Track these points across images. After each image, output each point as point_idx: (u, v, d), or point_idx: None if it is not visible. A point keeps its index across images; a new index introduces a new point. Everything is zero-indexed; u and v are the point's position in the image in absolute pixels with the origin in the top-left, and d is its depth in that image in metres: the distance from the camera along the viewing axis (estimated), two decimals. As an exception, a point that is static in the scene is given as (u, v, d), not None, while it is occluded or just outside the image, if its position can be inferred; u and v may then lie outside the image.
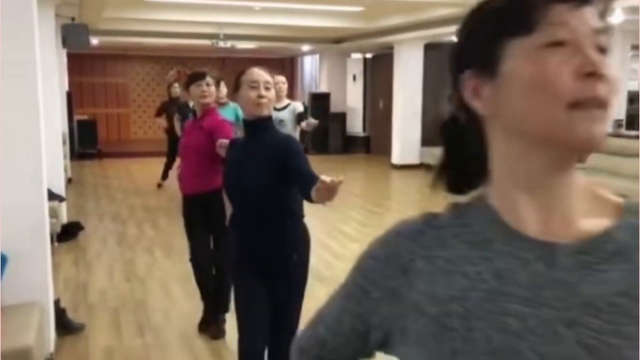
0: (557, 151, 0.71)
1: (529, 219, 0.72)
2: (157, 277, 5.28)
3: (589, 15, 0.69)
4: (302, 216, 2.77)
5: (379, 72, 14.38)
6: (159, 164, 12.84)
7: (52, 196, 6.01)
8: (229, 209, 2.79)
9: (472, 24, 0.78)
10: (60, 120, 7.44)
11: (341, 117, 15.20)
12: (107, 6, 8.70)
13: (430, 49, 11.87)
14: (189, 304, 4.62)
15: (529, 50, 0.68)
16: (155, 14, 9.96)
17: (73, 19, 8.23)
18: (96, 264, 5.64)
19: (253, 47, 14.34)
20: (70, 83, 13.37)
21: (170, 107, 8.77)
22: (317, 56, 16.45)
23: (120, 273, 5.38)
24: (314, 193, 2.30)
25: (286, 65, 18.43)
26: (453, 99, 0.77)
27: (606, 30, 0.70)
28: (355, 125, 15.11)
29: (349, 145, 14.88)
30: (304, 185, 2.39)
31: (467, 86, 0.74)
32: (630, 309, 0.66)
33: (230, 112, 6.05)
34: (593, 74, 0.67)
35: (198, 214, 3.97)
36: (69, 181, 9.35)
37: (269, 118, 2.72)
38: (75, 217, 7.12)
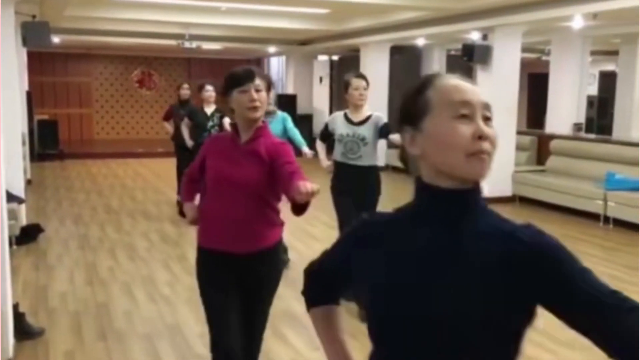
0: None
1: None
2: (120, 280, 5.20)
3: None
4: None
5: (345, 74, 14.42)
6: (122, 165, 12.72)
7: (10, 198, 5.87)
8: None
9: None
10: (19, 120, 7.26)
11: (308, 119, 15.21)
12: (69, 4, 8.54)
13: (396, 51, 11.98)
14: (152, 307, 4.56)
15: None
16: (120, 13, 9.81)
17: (34, 16, 8.03)
18: (57, 267, 5.52)
19: (219, 47, 14.25)
20: (31, 82, 13.07)
21: (178, 111, 7.90)
22: (283, 58, 16.43)
23: (81, 276, 5.27)
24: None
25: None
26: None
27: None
28: (322, 127, 15.16)
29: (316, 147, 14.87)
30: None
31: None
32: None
33: (278, 124, 5.49)
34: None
35: (237, 280, 2.62)
36: (28, 182, 9.14)
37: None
38: (35, 220, 6.96)
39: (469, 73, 13.30)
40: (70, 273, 5.35)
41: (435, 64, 12.56)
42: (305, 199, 2.19)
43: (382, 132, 4.35)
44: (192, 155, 7.59)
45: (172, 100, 17.67)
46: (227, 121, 6.54)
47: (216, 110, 6.89)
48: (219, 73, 17.84)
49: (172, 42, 12.32)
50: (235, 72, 2.56)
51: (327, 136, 4.68)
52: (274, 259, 2.69)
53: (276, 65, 17.34)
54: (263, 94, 2.52)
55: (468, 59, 8.89)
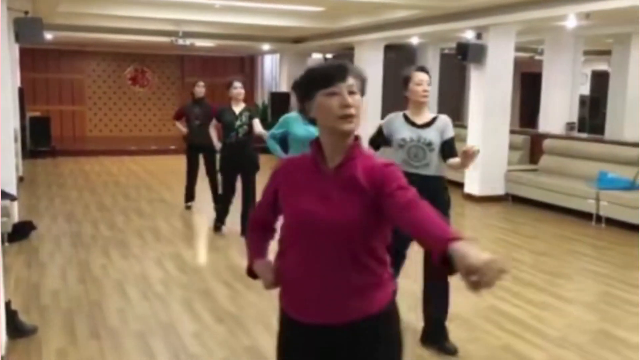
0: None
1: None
2: (113, 278, 5.18)
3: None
4: None
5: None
6: (116, 162, 12.66)
7: (3, 195, 5.85)
8: None
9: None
10: (11, 116, 7.21)
11: (301, 117, 15.19)
12: (62, 0, 8.49)
13: (390, 50, 11.99)
14: (146, 305, 4.55)
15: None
16: (113, 10, 9.77)
17: (26, 12, 8.00)
18: (49, 265, 5.49)
19: (212, 45, 14.22)
20: (23, 79, 12.99)
21: (192, 110, 7.71)
22: (277, 55, 16.41)
23: (74, 274, 5.25)
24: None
25: (246, 64, 18.34)
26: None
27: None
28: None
29: (309, 145, 14.86)
30: None
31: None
32: None
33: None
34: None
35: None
36: (20, 179, 9.09)
37: None
38: (27, 217, 6.93)
39: (462, 72, 13.37)
40: (62, 271, 5.33)
41: (430, 62, 12.58)
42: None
43: (445, 150, 3.65)
44: (210, 157, 7.40)
45: (165, 98, 17.87)
46: (257, 122, 6.31)
47: (245, 109, 6.45)
48: (212, 70, 17.87)
49: (165, 40, 12.28)
50: (321, 67, 1.87)
51: (382, 142, 3.84)
52: (386, 330, 1.88)
53: (270, 63, 17.31)
54: (358, 97, 1.80)
55: (462, 58, 8.91)
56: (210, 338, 3.97)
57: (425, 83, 3.63)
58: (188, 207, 8.00)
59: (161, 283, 5.06)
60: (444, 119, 3.71)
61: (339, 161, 1.82)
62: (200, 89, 7.73)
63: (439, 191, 3.64)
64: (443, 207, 3.57)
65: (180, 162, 8.78)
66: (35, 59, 15.41)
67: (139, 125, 17.57)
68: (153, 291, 4.86)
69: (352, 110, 1.78)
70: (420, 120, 3.69)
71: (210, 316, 4.35)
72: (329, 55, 15.06)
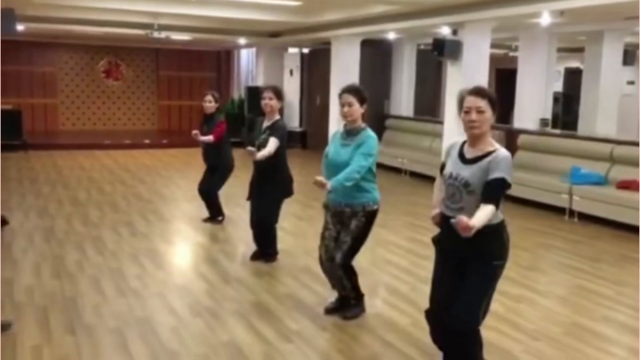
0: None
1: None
2: (88, 273, 5.12)
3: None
4: None
5: (316, 67, 14.42)
6: (89, 156, 12.48)
7: (-26, 189, 5.72)
8: None
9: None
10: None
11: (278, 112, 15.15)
12: (34, -9, 8.33)
13: (367, 45, 12.00)
14: (122, 301, 4.50)
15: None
16: (87, 1, 9.60)
17: (-3, 3, 7.83)
18: (22, 261, 5.40)
19: (188, 38, 14.08)
20: (-7, 71, 12.73)
21: (202, 128, 6.67)
22: (253, 50, 16.33)
23: (48, 270, 5.17)
24: None
25: (222, 58, 18.21)
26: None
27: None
28: (292, 120, 15.10)
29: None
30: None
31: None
32: None
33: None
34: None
35: None
36: (-9, 174, 8.92)
37: None
38: (-1, 212, 6.80)
39: (439, 67, 13.44)
40: (36, 267, 5.25)
41: (406, 58, 12.63)
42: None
43: (486, 192, 2.89)
44: (221, 174, 6.60)
45: (140, 92, 17.65)
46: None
47: (272, 125, 5.22)
48: (188, 64, 17.72)
49: (140, 32, 12.12)
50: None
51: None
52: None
53: (246, 57, 17.22)
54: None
55: (438, 54, 8.96)
56: (187, 333, 3.95)
57: (475, 111, 2.90)
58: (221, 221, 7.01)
59: (137, 278, 5.02)
60: (499, 156, 2.91)
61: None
62: (207, 105, 6.64)
63: (481, 242, 2.88)
64: (482, 261, 3.00)
65: (154, 157, 8.70)
66: (6, 51, 15.03)
67: (112, 119, 17.34)
68: (129, 286, 4.81)
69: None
70: (472, 153, 3.00)
71: (187, 311, 4.32)
72: (305, 50, 15.03)
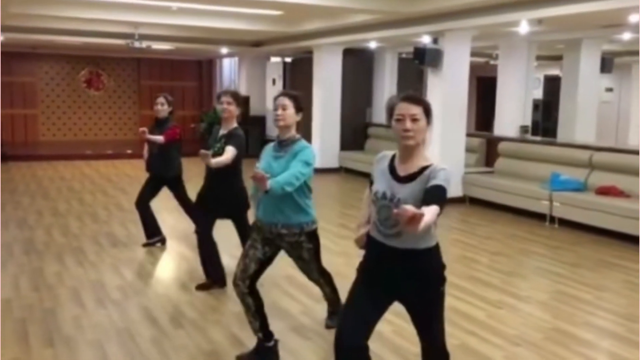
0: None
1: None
2: (68, 285, 5.06)
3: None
4: None
5: (298, 76, 14.44)
6: (69, 167, 12.37)
7: (-49, 201, 5.63)
8: None
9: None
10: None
11: (260, 121, 15.16)
12: (13, 1, 8.27)
13: (349, 54, 12.07)
14: (102, 312, 4.46)
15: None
16: (67, 11, 9.55)
17: (-25, 13, 7.76)
18: (1, 273, 5.32)
19: (170, 48, 14.06)
20: (-28, 81, 12.58)
21: (152, 133, 6.05)
22: (236, 59, 16.33)
23: (26, 282, 5.11)
24: None
25: (204, 68, 18.19)
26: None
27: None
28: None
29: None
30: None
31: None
32: None
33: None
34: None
35: None
36: (-30, 185, 8.80)
37: None
38: (-22, 224, 6.71)
39: (420, 76, 13.54)
40: (14, 279, 5.18)
41: (388, 66, 12.70)
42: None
43: (427, 196, 2.40)
44: (180, 185, 6.06)
45: (121, 102, 17.54)
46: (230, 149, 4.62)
47: (229, 132, 4.76)
48: (169, 74, 17.67)
49: (120, 42, 12.07)
50: None
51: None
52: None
53: (228, 67, 17.22)
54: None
55: (419, 62, 9.04)
56: (169, 344, 3.92)
57: (409, 119, 2.49)
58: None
59: (118, 289, 4.97)
60: (437, 168, 2.50)
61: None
62: (159, 107, 6.06)
63: (419, 269, 2.58)
64: (424, 291, 2.61)
65: (136, 167, 8.62)
66: (-15, 61, 14.94)
67: (94, 129, 17.23)
68: (109, 298, 4.77)
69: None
70: (405, 170, 2.56)
71: (168, 322, 4.29)
72: (287, 59, 15.06)
